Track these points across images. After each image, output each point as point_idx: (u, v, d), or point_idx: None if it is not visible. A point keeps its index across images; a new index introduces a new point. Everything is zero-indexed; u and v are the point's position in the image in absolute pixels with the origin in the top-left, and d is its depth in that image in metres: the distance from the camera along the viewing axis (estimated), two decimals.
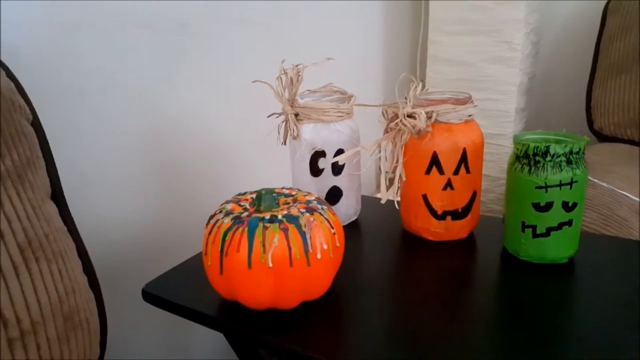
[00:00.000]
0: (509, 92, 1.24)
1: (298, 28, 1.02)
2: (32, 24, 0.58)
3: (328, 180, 0.65)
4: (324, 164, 0.64)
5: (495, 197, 1.29)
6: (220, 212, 0.48)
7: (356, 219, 0.70)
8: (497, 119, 1.26)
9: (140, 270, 0.63)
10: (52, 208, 0.43)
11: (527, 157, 0.51)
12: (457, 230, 0.61)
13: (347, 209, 0.68)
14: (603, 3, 1.22)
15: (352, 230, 0.67)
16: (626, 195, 0.74)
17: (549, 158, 0.49)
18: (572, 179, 0.49)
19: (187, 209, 0.81)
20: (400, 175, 0.59)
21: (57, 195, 0.45)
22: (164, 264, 0.59)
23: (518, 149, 0.52)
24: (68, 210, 0.46)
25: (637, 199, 0.74)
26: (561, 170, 0.49)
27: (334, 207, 0.66)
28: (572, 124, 1.34)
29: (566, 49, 1.41)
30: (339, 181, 0.66)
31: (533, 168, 0.50)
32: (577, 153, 0.49)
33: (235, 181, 0.90)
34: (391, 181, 0.59)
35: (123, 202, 0.72)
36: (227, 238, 0.44)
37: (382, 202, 0.58)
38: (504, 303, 0.49)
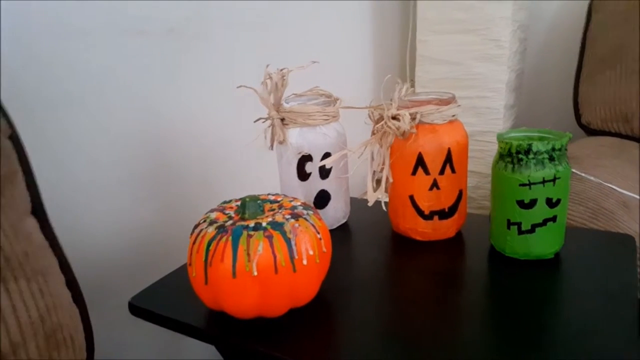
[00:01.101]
0: (498, 89, 1.24)
1: (288, 30, 1.02)
2: (30, 29, 0.58)
3: (316, 184, 0.65)
4: (311, 167, 0.64)
5: (485, 193, 1.30)
6: (205, 221, 0.47)
7: (345, 222, 0.70)
8: (487, 117, 1.27)
9: (129, 282, 0.62)
10: (32, 224, 0.43)
11: (510, 155, 0.51)
12: (444, 229, 0.61)
13: (336, 212, 0.68)
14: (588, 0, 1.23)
15: (341, 233, 0.67)
16: (613, 189, 0.74)
17: (531, 155, 0.49)
18: (555, 175, 0.49)
19: (177, 218, 0.80)
20: (387, 177, 0.59)
21: (38, 210, 0.44)
22: (153, 275, 0.58)
23: (501, 148, 0.52)
24: (49, 225, 0.45)
25: (625, 192, 0.74)
26: (544, 167, 0.49)
27: (322, 211, 0.66)
28: (561, 119, 1.35)
29: (553, 46, 1.42)
30: (327, 185, 0.65)
31: (516, 166, 0.50)
32: (560, 150, 0.49)
33: (226, 187, 0.90)
34: (378, 183, 0.59)
35: (114, 210, 0.72)
36: (211, 248, 0.43)
37: (370, 204, 0.58)
38: (491, 300, 0.49)
